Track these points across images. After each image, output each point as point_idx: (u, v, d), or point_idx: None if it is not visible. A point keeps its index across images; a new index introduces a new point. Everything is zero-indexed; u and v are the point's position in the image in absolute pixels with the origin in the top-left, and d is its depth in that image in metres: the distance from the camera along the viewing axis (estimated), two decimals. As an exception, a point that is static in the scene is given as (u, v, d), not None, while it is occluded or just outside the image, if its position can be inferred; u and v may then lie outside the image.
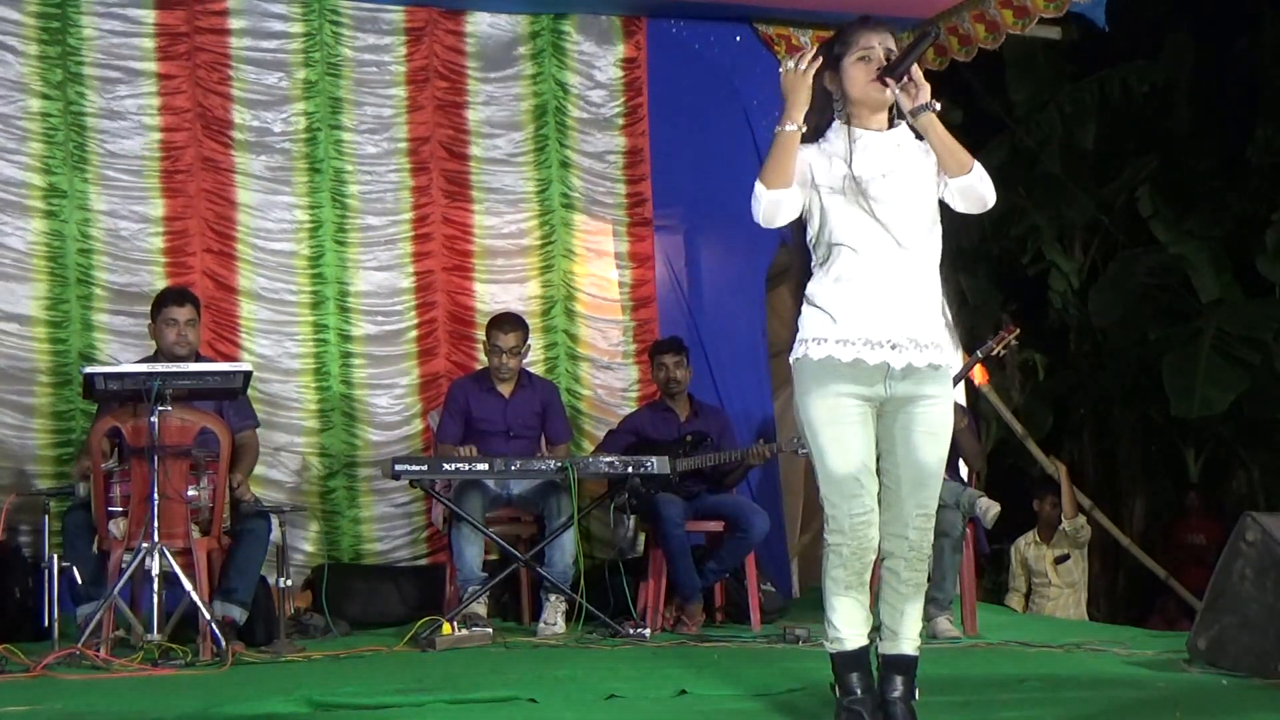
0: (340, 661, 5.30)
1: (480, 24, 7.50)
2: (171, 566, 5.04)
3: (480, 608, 6.22)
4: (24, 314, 6.75)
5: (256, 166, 7.15)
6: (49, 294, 6.79)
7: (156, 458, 5.08)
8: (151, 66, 7.02)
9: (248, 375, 5.38)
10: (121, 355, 6.60)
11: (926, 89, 3.51)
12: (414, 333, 7.32)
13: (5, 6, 6.82)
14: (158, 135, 7.00)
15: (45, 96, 6.85)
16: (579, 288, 7.58)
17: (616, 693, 4.31)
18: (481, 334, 6.89)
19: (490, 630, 5.83)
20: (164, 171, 7.00)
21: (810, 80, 3.53)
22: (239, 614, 5.48)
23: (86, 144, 6.90)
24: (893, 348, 3.56)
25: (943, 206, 3.66)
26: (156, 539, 5.03)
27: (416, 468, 5.97)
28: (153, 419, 5.07)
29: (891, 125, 3.66)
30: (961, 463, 6.91)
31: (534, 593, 6.53)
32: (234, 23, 7.15)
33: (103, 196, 6.91)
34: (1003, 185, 13.24)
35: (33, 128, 6.84)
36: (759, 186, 3.57)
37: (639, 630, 5.98)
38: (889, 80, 3.53)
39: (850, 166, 3.61)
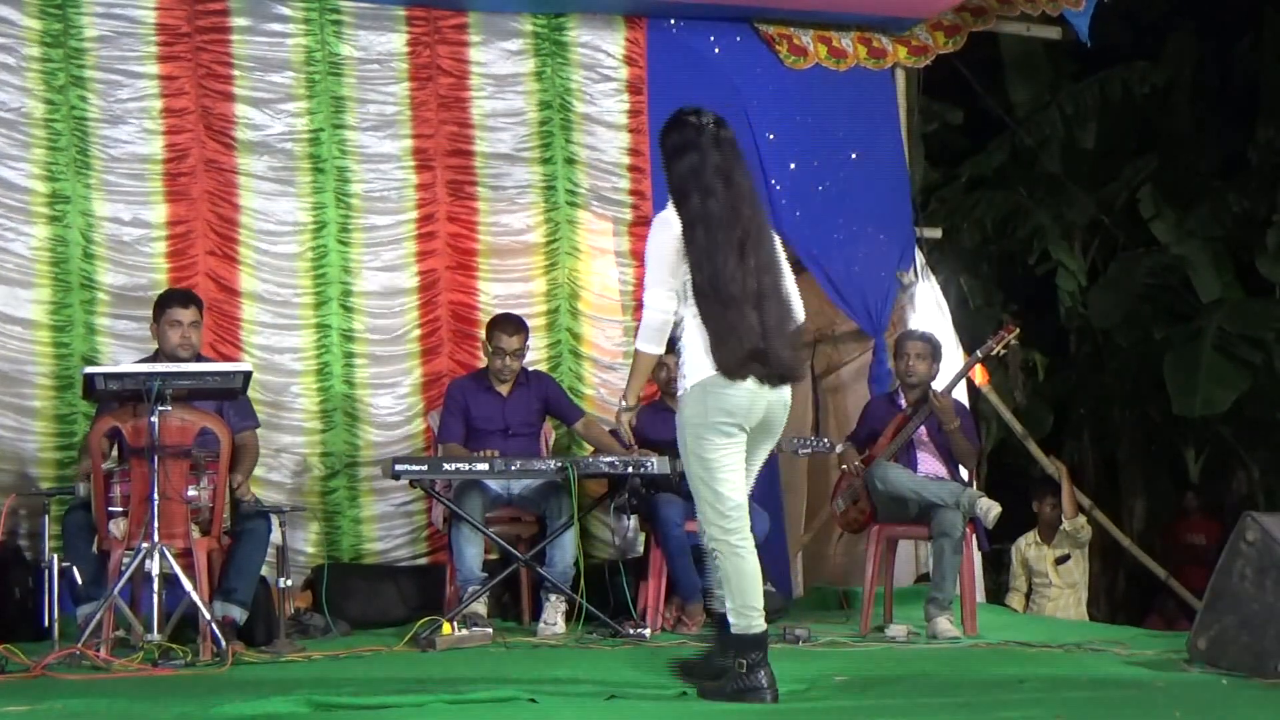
0: (340, 661, 5.31)
1: (482, 21, 7.50)
2: (172, 567, 5.03)
3: (480, 608, 6.23)
4: (27, 318, 6.74)
5: (259, 167, 7.15)
6: (52, 298, 6.77)
7: (156, 458, 5.08)
8: (153, 69, 7.00)
9: (247, 375, 5.38)
10: (123, 358, 6.57)
11: None
12: (417, 332, 7.31)
13: (6, 8, 6.82)
14: (160, 137, 6.99)
15: (48, 101, 6.84)
16: (583, 286, 7.57)
17: (616, 693, 4.32)
18: (484, 333, 6.89)
19: (490, 630, 5.83)
20: (167, 174, 6.99)
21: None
22: (239, 614, 5.48)
23: (89, 148, 6.88)
24: None
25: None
26: (156, 539, 5.03)
27: (416, 468, 5.97)
28: (153, 419, 5.07)
29: None
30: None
31: (534, 593, 6.53)
32: (235, 21, 7.14)
33: (105, 200, 6.90)
34: (1003, 185, 13.21)
35: (36, 133, 6.82)
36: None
37: (639, 630, 5.98)
38: None
39: None
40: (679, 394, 4.36)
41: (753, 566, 4.28)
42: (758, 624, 4.25)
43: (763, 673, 4.20)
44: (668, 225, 4.26)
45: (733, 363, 4.18)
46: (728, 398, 4.21)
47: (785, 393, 4.34)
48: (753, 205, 4.29)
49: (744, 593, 4.25)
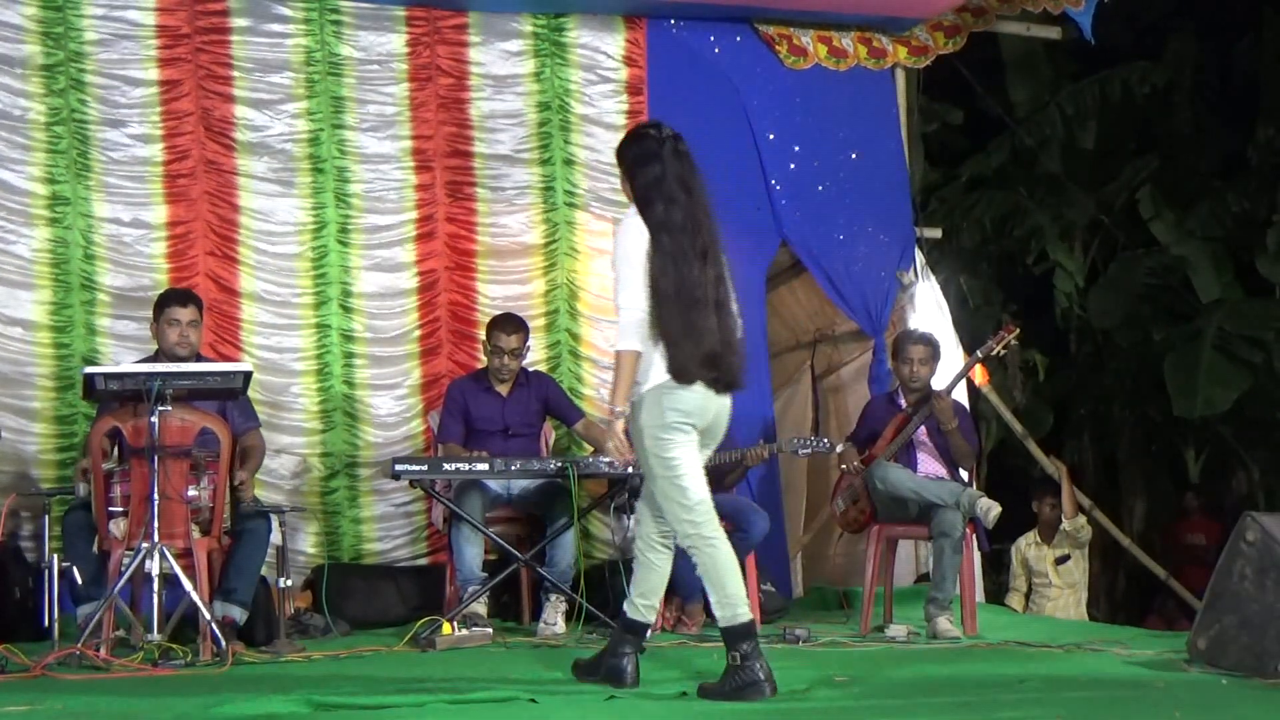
0: (340, 661, 5.31)
1: (482, 22, 7.50)
2: (172, 567, 5.03)
3: (480, 608, 6.23)
4: (28, 319, 6.74)
5: (259, 168, 7.14)
6: (53, 299, 6.78)
7: (156, 458, 5.08)
8: (154, 71, 7.00)
9: (248, 375, 5.38)
10: (124, 359, 6.56)
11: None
12: (416, 332, 7.31)
13: (6, 11, 6.81)
14: (160, 139, 6.99)
15: (49, 104, 6.83)
16: (582, 287, 7.57)
17: (616, 693, 4.32)
18: (483, 333, 6.89)
19: (490, 630, 5.83)
20: (167, 175, 6.99)
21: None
22: (239, 614, 5.48)
23: (89, 151, 6.88)
24: None
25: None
26: (156, 539, 5.03)
27: (416, 468, 5.98)
28: (153, 419, 5.07)
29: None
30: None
31: (534, 593, 6.53)
32: (235, 22, 7.14)
33: (106, 202, 6.89)
34: (1003, 185, 13.20)
35: (37, 136, 6.82)
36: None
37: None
38: None
39: None
40: (633, 399, 4.45)
41: (728, 557, 4.38)
42: (743, 613, 4.31)
43: (758, 664, 4.24)
44: (637, 230, 4.42)
45: (688, 365, 4.32)
46: (682, 398, 4.34)
47: (728, 400, 4.52)
48: (710, 217, 4.48)
49: (724, 585, 4.34)
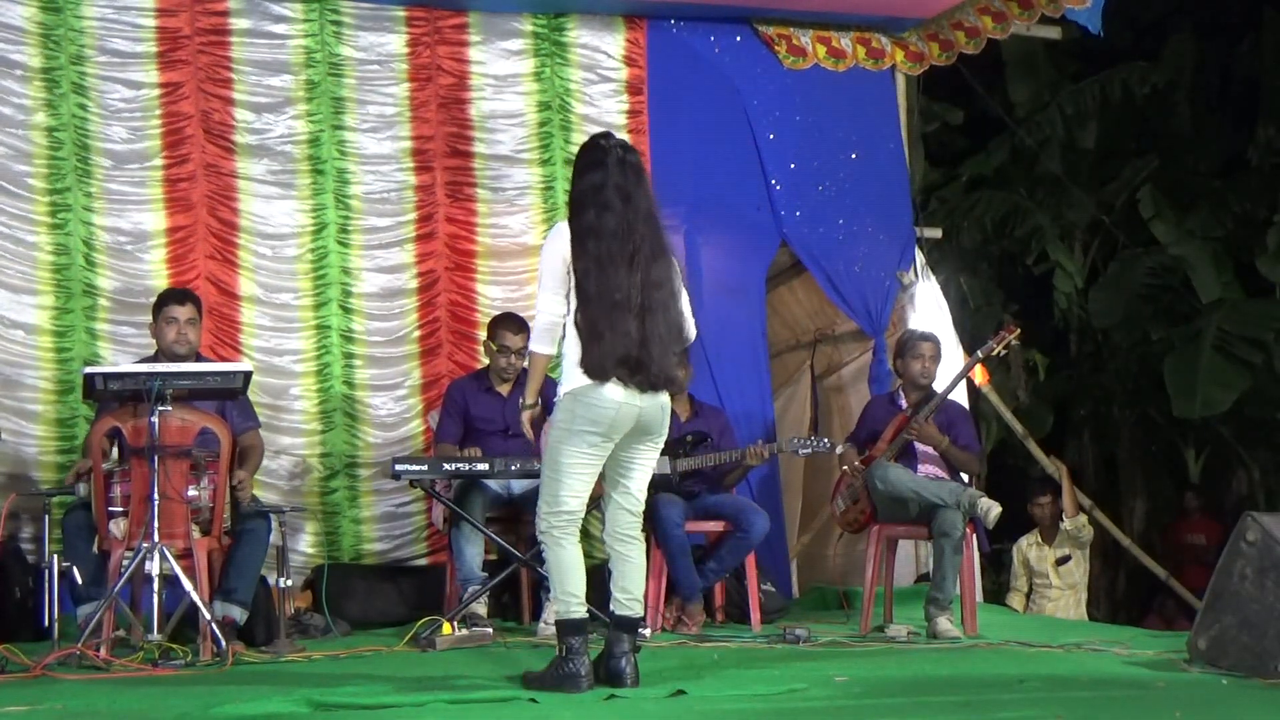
0: (340, 661, 5.31)
1: (482, 22, 7.50)
2: (172, 567, 5.03)
3: (480, 608, 6.22)
4: (29, 322, 6.74)
5: (259, 170, 7.13)
6: (54, 304, 6.77)
7: (156, 458, 5.08)
8: (154, 75, 6.99)
9: (248, 375, 5.38)
10: (123, 362, 6.55)
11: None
12: (416, 333, 7.31)
13: (7, 15, 6.80)
14: (160, 143, 6.98)
15: (50, 108, 6.81)
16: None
17: (616, 693, 4.33)
18: (483, 333, 6.89)
19: (490, 630, 5.83)
20: (167, 179, 6.98)
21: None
22: (239, 614, 5.48)
23: (90, 155, 6.86)
24: None
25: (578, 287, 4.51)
26: (156, 539, 5.03)
27: (416, 468, 5.98)
28: (153, 419, 5.07)
29: None
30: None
31: (534, 593, 6.53)
32: (235, 24, 7.14)
33: (106, 207, 6.88)
34: (1003, 185, 13.18)
35: (38, 140, 6.81)
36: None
37: (639, 630, 5.97)
38: None
39: None
40: (556, 398, 4.60)
41: (572, 556, 4.57)
42: (576, 610, 4.52)
43: (582, 661, 4.44)
44: (558, 236, 4.57)
45: (601, 365, 4.43)
46: (594, 408, 4.46)
47: (660, 398, 4.61)
48: (649, 225, 4.57)
49: (563, 581, 4.54)
